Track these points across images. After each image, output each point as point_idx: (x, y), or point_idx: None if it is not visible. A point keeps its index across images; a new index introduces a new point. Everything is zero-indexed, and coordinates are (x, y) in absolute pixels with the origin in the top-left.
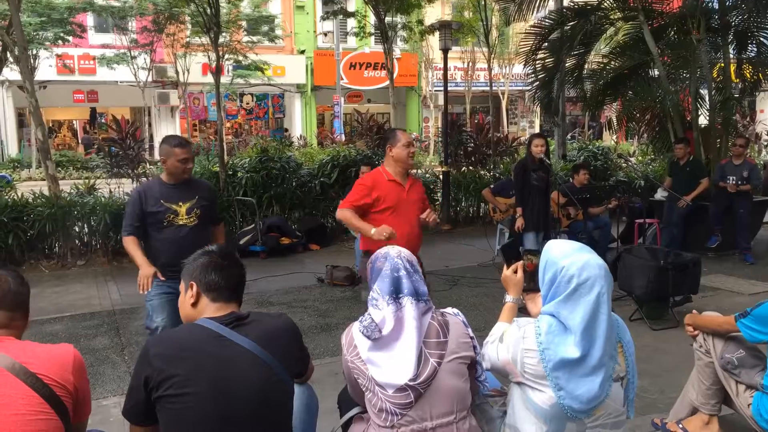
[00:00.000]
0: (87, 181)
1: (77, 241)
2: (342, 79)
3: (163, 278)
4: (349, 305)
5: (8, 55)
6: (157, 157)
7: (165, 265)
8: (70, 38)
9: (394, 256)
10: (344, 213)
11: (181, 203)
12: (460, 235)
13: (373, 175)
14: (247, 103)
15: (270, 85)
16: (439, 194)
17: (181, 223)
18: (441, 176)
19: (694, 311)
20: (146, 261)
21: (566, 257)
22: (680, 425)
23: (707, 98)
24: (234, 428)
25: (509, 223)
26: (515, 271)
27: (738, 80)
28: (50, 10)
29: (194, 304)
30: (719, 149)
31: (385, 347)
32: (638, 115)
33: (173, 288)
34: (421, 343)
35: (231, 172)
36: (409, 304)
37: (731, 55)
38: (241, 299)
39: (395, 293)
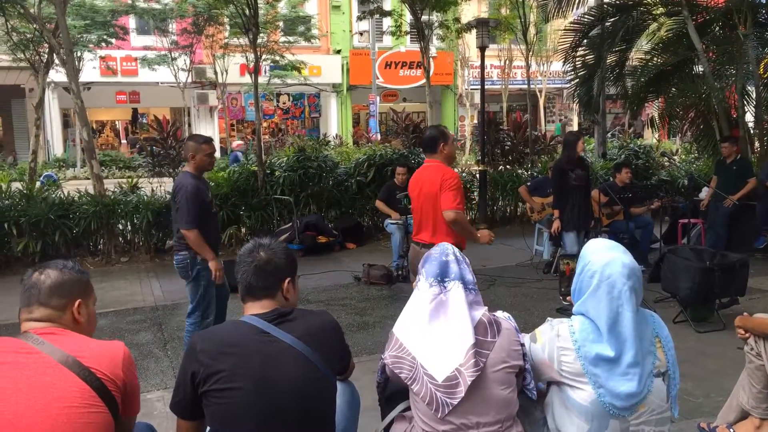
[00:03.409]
0: (130, 180)
1: (121, 239)
2: (377, 78)
3: None
4: (386, 304)
5: (54, 57)
6: None
7: (211, 244)
8: (113, 40)
9: (444, 245)
10: (461, 215)
11: (210, 193)
12: (497, 234)
13: (453, 172)
14: (284, 103)
15: (306, 84)
16: (475, 193)
17: (214, 209)
18: (478, 175)
19: (745, 313)
20: (214, 254)
21: (595, 253)
22: (731, 429)
23: (754, 95)
24: (278, 424)
25: (547, 223)
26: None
27: None
28: (94, 13)
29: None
30: (766, 148)
31: (426, 330)
32: (681, 112)
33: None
34: (473, 334)
35: (269, 171)
36: (455, 288)
37: None
38: (275, 292)
39: (441, 276)
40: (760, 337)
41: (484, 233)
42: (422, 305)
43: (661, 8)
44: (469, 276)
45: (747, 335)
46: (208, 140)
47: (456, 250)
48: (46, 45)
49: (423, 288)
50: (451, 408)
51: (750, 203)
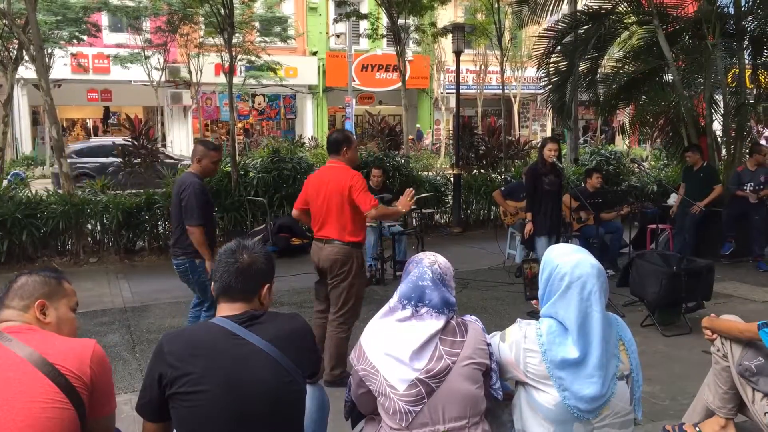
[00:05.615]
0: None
1: (90, 239)
2: (354, 80)
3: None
4: None
5: (24, 53)
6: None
7: (211, 245)
8: (85, 37)
9: (425, 265)
10: (379, 208)
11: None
12: (471, 237)
13: (357, 173)
14: (259, 104)
15: (282, 86)
16: (449, 197)
17: (213, 212)
18: (452, 178)
19: (712, 315)
20: (211, 253)
21: (561, 257)
22: (696, 428)
23: (722, 104)
24: (247, 427)
25: (520, 227)
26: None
27: (753, 86)
28: (66, 9)
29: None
30: (733, 156)
31: (388, 343)
32: (651, 119)
33: None
34: (437, 339)
35: (242, 172)
36: (428, 315)
37: (746, 61)
38: (252, 296)
39: (416, 301)
40: (726, 339)
41: (402, 202)
42: (390, 322)
43: (632, 17)
44: (451, 298)
45: (714, 336)
46: (218, 148)
47: (437, 274)
48: (15, 41)
49: (395, 306)
50: (414, 415)
51: (716, 210)
